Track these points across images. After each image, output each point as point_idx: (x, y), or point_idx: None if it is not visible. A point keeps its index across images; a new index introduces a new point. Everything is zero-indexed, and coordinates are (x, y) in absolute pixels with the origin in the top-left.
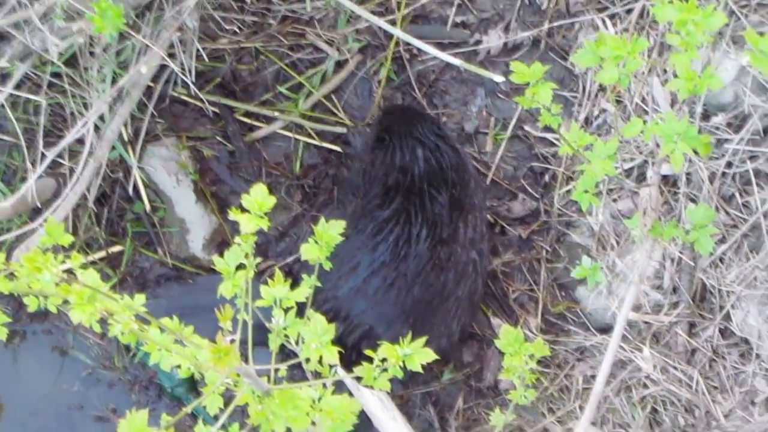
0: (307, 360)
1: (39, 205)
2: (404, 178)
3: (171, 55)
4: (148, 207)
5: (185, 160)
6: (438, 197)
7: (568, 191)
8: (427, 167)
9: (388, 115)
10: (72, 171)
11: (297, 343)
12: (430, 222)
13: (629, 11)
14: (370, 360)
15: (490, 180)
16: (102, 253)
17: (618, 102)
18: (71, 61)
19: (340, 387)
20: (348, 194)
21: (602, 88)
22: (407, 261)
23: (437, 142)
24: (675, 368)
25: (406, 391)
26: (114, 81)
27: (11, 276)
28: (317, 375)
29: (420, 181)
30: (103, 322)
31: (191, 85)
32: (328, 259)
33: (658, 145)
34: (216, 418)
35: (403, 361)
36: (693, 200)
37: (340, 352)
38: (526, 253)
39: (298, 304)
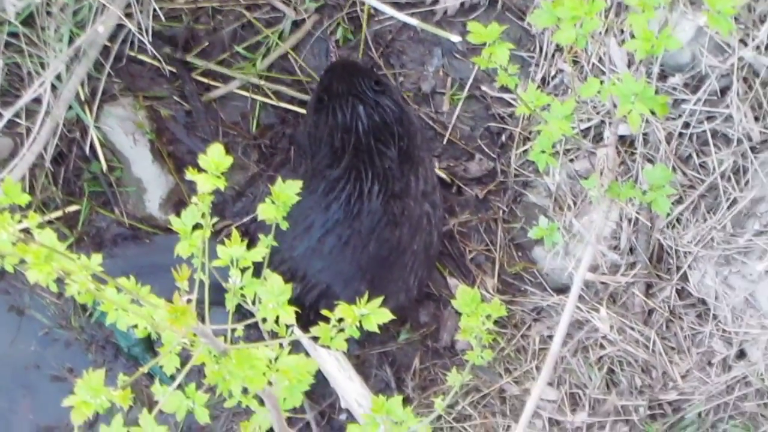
0: (264, 320)
1: None
2: (349, 137)
3: (128, 15)
4: (104, 167)
5: (142, 120)
6: (386, 152)
7: (525, 151)
8: (371, 123)
9: (327, 74)
10: (29, 130)
11: (254, 303)
12: (381, 177)
13: None
14: (326, 320)
15: (447, 140)
16: (59, 213)
17: (575, 62)
18: (28, 20)
19: (296, 347)
20: (298, 156)
21: (559, 49)
22: (361, 218)
23: (377, 98)
24: (632, 329)
25: (363, 351)
26: (71, 41)
27: None
28: (274, 335)
29: (366, 137)
30: (59, 281)
31: (148, 45)
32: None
33: (615, 106)
34: (173, 377)
35: (360, 321)
36: (650, 161)
37: (297, 312)
38: (482, 214)
39: (254, 264)
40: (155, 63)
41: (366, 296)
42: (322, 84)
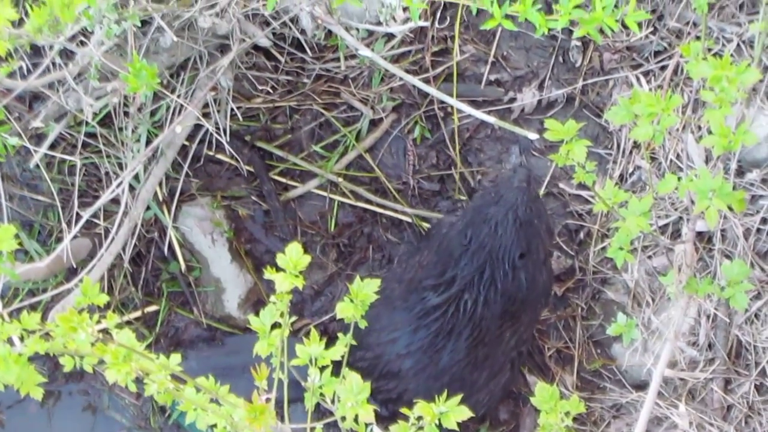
0: (343, 418)
1: (74, 265)
2: (469, 269)
3: (205, 115)
4: (183, 267)
5: (220, 219)
6: (492, 306)
7: (603, 248)
8: (496, 277)
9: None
10: (107, 231)
11: (333, 401)
12: (475, 325)
13: (663, 68)
14: (405, 418)
15: None
16: (137, 313)
17: (652, 159)
18: (106, 121)
19: None
20: (412, 256)
21: (636, 145)
22: (442, 353)
23: (525, 264)
24: (711, 425)
25: None
26: (148, 141)
27: (47, 336)
28: None
29: (480, 283)
30: (138, 381)
31: (226, 145)
32: (367, 318)
33: (692, 202)
34: None
35: (439, 420)
36: (728, 256)
37: (375, 411)
38: (561, 311)
39: (333, 362)
40: (233, 162)
41: (445, 394)
42: (499, 207)
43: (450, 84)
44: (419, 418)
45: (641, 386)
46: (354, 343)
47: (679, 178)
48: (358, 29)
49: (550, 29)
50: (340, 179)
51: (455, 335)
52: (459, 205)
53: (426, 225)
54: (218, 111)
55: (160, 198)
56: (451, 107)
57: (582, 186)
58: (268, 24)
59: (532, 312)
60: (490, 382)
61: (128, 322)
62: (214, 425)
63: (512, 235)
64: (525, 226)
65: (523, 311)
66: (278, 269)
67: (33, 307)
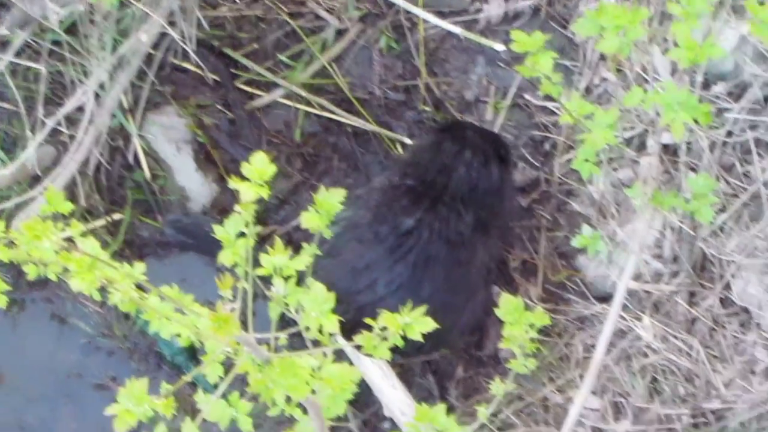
0: (307, 328)
1: (39, 173)
2: (440, 180)
3: (171, 23)
4: (148, 175)
5: (192, 125)
6: (465, 216)
7: (569, 160)
8: (467, 180)
9: (470, 122)
10: (72, 139)
11: (297, 312)
12: (451, 242)
13: None
14: (370, 328)
15: None
16: (102, 222)
17: (619, 71)
18: (71, 29)
19: (340, 356)
20: (381, 178)
21: (603, 57)
22: (423, 285)
23: (490, 161)
24: (675, 337)
25: (406, 359)
26: (114, 49)
27: (11, 244)
28: (317, 344)
29: (453, 193)
30: (102, 290)
31: (191, 53)
32: (340, 262)
33: (658, 114)
34: (216, 386)
35: (404, 330)
36: (693, 169)
37: (341, 321)
38: (526, 222)
39: (298, 272)
40: (199, 71)
41: (409, 305)
42: (456, 120)
43: None
44: (384, 328)
45: (606, 298)
46: (319, 252)
47: (646, 91)
48: None
49: None
50: (305, 89)
51: (432, 260)
52: (423, 116)
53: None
54: (184, 19)
55: (126, 106)
56: (418, 17)
57: (548, 98)
58: None
59: (500, 223)
60: (468, 303)
61: (93, 231)
62: (178, 334)
63: (497, 136)
64: (499, 136)
65: (493, 222)
66: (243, 178)
67: None
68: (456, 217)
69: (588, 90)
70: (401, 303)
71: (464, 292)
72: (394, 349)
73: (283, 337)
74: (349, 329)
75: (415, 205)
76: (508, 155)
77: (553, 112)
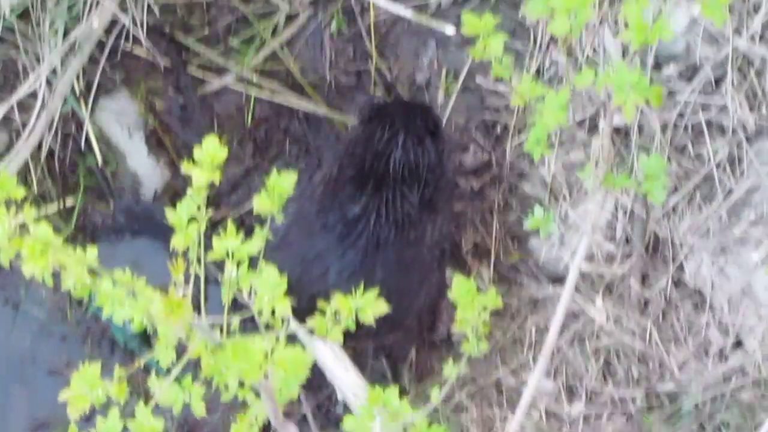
0: (260, 312)
1: None
2: (378, 166)
3: (122, 9)
4: (100, 160)
5: (143, 110)
6: (409, 196)
7: (520, 143)
8: (404, 158)
9: (392, 99)
10: (24, 125)
11: (249, 295)
12: (399, 223)
13: None
14: (322, 312)
15: None
16: (54, 207)
17: (569, 53)
18: (23, 15)
19: (293, 340)
20: (321, 170)
21: (553, 40)
22: (375, 269)
23: (422, 136)
24: (628, 319)
25: (360, 343)
26: (66, 35)
27: None
28: (270, 327)
29: (394, 173)
30: (55, 275)
31: (143, 39)
32: (291, 255)
33: (609, 96)
34: (169, 370)
35: (356, 313)
36: (645, 151)
37: (293, 306)
38: (478, 204)
39: (250, 256)
40: (150, 57)
41: (361, 288)
42: (379, 102)
43: None
44: (336, 312)
45: (558, 280)
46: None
47: (597, 73)
48: None
49: None
50: (256, 74)
51: (383, 244)
52: (375, 100)
53: (342, 119)
54: (135, 5)
55: (78, 92)
56: (368, 1)
57: (499, 80)
58: None
59: (447, 200)
60: (423, 285)
61: (45, 216)
62: (131, 319)
63: (424, 107)
64: (426, 106)
65: (438, 198)
66: (195, 162)
67: None
68: (401, 198)
69: (539, 72)
70: (354, 289)
71: (418, 273)
72: (348, 333)
73: (235, 321)
74: (302, 317)
75: (359, 192)
76: (439, 127)
77: (504, 96)
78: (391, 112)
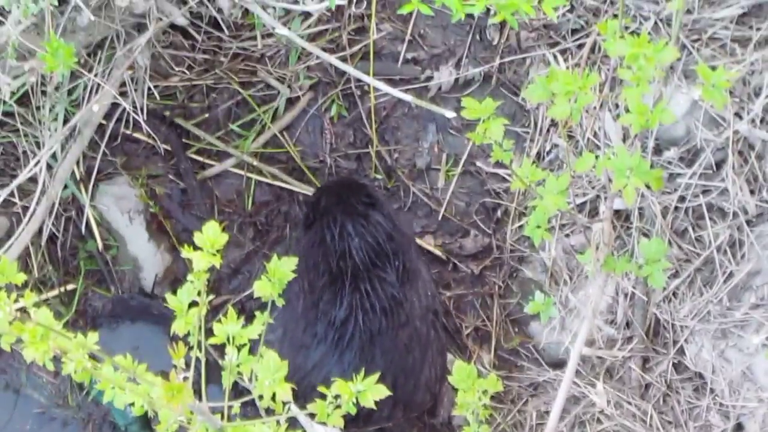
0: (260, 397)
1: None
2: (346, 264)
3: (123, 93)
4: (100, 245)
5: (138, 197)
6: (386, 277)
7: (521, 227)
8: (364, 245)
9: (316, 191)
10: (25, 210)
11: (250, 380)
12: (388, 309)
13: (580, 46)
14: (323, 396)
15: (442, 216)
16: (55, 292)
17: (570, 137)
18: (23, 99)
19: (294, 424)
20: (293, 288)
21: (554, 123)
22: (375, 359)
23: (366, 212)
24: (629, 403)
25: (360, 428)
26: (66, 120)
27: None
28: (271, 412)
29: (363, 264)
30: (56, 360)
31: (143, 123)
32: (292, 368)
33: (610, 180)
34: None
35: (357, 398)
36: (646, 235)
37: (293, 390)
38: (478, 289)
39: (251, 341)
40: (150, 141)
41: (362, 372)
42: (310, 201)
43: (367, 62)
44: (336, 396)
45: (559, 364)
46: (270, 321)
47: (597, 156)
48: (274, 8)
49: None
50: (257, 159)
51: (376, 335)
52: (376, 183)
53: None
54: (135, 90)
55: (78, 177)
56: (368, 85)
57: (499, 164)
58: (185, 2)
59: (414, 256)
60: (425, 357)
61: (46, 301)
62: (132, 403)
63: (348, 184)
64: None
65: (410, 261)
66: (195, 248)
67: None
68: (380, 283)
69: (539, 156)
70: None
71: (418, 349)
72: (364, 418)
73: (236, 405)
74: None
75: (338, 295)
76: (372, 195)
77: (504, 179)
78: (325, 207)
